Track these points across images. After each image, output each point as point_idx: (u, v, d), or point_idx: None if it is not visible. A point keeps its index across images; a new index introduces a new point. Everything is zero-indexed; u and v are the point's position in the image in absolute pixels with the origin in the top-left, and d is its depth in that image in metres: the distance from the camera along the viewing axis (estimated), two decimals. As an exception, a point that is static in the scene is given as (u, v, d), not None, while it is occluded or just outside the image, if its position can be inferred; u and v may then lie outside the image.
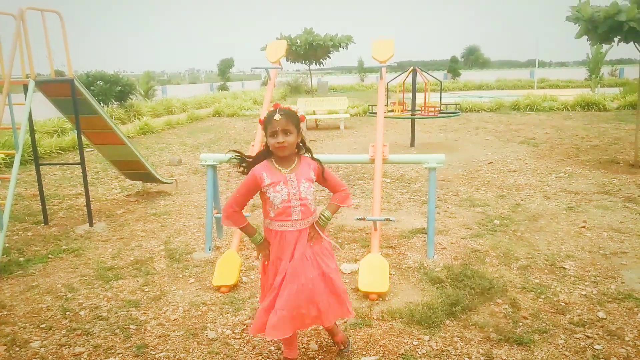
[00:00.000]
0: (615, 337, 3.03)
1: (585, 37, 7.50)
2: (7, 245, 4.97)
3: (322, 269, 2.62)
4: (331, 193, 2.81)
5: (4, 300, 3.77)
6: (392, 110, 10.59)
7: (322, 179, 2.68)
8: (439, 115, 10.57)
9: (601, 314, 3.31)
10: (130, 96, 17.68)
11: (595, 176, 7.31)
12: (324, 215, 2.70)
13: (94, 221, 5.69)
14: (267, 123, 2.52)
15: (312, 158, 2.69)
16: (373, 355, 2.92)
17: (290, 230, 2.59)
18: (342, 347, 2.93)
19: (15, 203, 6.59)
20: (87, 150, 9.58)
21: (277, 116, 2.48)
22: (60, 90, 5.61)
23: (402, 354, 2.92)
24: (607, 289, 3.69)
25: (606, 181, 6.97)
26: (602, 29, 7.09)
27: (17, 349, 3.11)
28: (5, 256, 4.65)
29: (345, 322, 3.27)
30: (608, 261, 4.21)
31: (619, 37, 7.27)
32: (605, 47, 21.99)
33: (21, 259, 4.66)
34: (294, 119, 2.53)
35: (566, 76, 35.24)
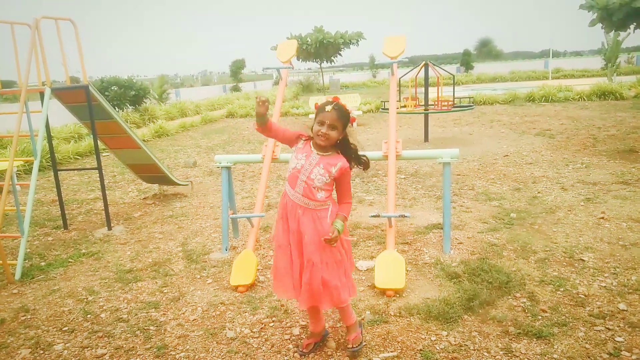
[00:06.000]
0: (637, 329, 2.99)
1: (599, 25, 7.39)
2: (28, 250, 5.08)
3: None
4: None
5: (27, 304, 3.85)
6: (404, 106, 10.55)
7: (341, 178, 2.69)
8: (453, 109, 10.51)
9: (622, 306, 3.27)
10: (145, 100, 17.86)
11: (613, 166, 7.20)
12: (337, 229, 2.63)
13: (112, 225, 5.77)
14: (319, 110, 2.63)
15: (349, 159, 2.72)
16: (391, 352, 2.92)
17: (293, 200, 2.70)
18: (351, 346, 2.89)
19: (35, 209, 6.72)
20: (103, 155, 9.70)
21: (329, 108, 2.58)
22: (76, 97, 5.69)
23: (420, 350, 2.92)
24: (628, 280, 3.64)
25: (624, 171, 6.86)
26: (617, 16, 7.00)
27: (41, 351, 3.18)
28: (27, 261, 4.74)
29: (362, 319, 3.28)
30: (628, 252, 4.14)
31: (635, 24, 7.15)
32: (622, 34, 21.61)
33: (42, 263, 4.75)
34: (344, 118, 2.60)
35: (581, 65, 34.72)
